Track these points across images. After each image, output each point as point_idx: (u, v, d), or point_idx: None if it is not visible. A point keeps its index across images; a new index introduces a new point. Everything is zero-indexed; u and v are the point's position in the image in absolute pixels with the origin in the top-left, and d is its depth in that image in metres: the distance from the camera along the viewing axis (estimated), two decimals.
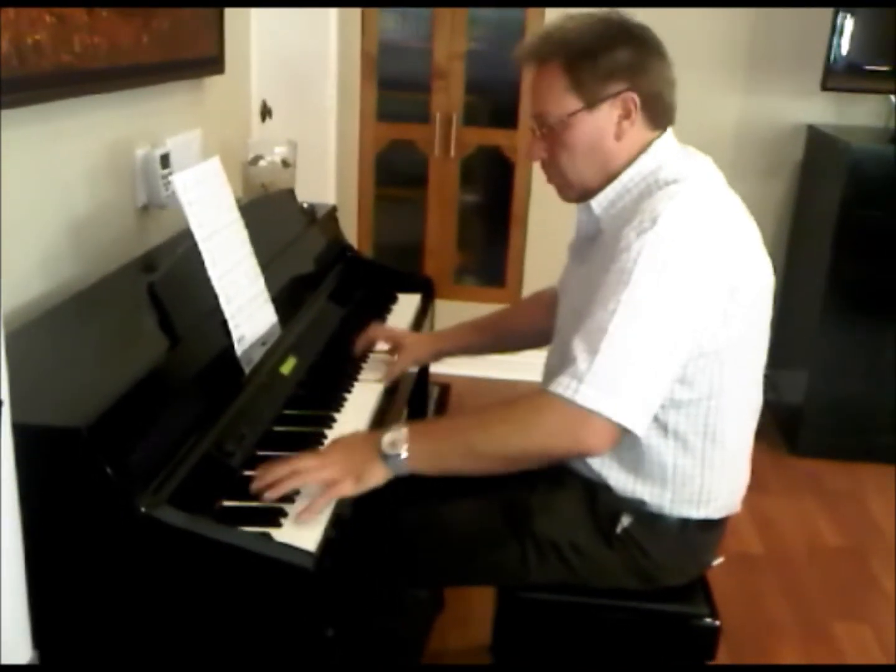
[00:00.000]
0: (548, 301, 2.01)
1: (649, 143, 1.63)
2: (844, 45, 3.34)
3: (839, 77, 3.39)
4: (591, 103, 1.59)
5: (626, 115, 1.60)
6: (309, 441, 1.67)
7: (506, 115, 3.87)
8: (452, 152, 3.90)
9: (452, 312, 2.45)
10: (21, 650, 1.18)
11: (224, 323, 1.72)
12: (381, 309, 2.42)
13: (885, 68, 3.35)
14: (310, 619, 1.39)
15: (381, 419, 1.84)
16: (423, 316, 2.45)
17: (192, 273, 1.71)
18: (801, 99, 3.65)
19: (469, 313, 2.17)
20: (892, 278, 3.30)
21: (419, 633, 2.03)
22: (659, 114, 1.63)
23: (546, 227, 3.80)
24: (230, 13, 2.69)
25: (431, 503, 1.70)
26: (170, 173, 2.13)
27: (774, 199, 3.80)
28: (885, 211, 3.24)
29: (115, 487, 1.28)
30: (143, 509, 1.30)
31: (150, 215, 2.29)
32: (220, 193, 1.84)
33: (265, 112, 3.22)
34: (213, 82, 2.64)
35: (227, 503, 1.45)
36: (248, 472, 1.53)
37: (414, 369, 2.21)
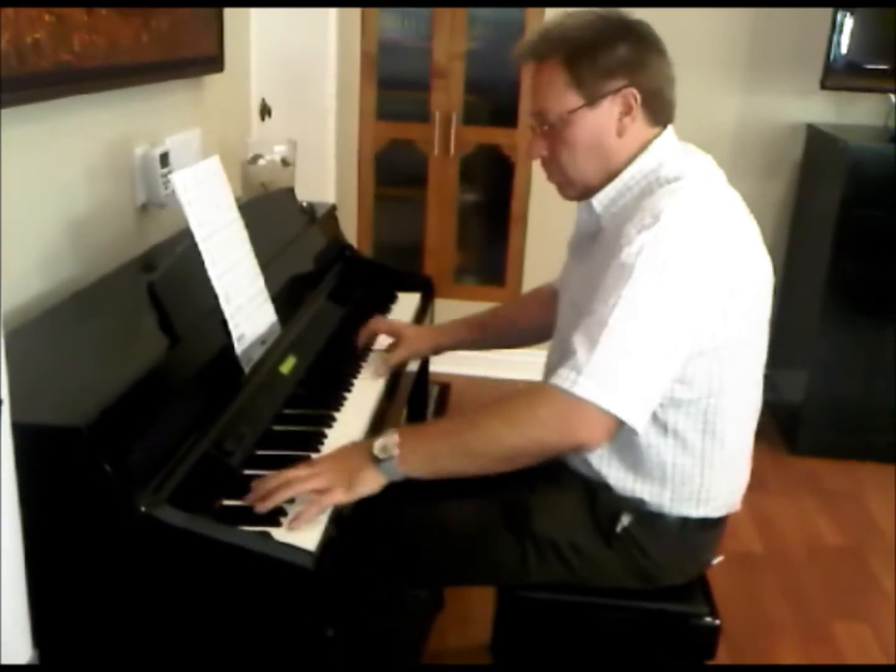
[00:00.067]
0: (546, 297, 2.01)
1: (650, 141, 1.63)
2: (844, 44, 3.34)
3: (839, 76, 3.39)
4: (591, 100, 1.59)
5: (627, 111, 1.60)
6: (309, 440, 1.66)
7: (505, 115, 3.87)
8: (452, 151, 3.90)
9: (452, 311, 2.45)
10: (21, 649, 1.18)
11: (224, 322, 1.72)
12: (381, 308, 2.41)
13: (884, 67, 3.35)
14: (310, 618, 1.39)
15: (381, 418, 1.84)
16: (422, 315, 2.45)
17: (192, 272, 1.71)
18: (800, 98, 3.66)
19: (468, 312, 2.17)
20: (892, 278, 3.30)
21: (419, 633, 2.04)
22: (659, 110, 1.63)
23: (546, 226, 3.80)
24: (230, 12, 2.69)
25: (431, 503, 1.70)
26: (169, 172, 2.13)
27: (774, 198, 3.81)
28: (885, 210, 3.24)
29: (114, 486, 1.28)
30: (142, 508, 1.30)
31: (149, 214, 2.29)
32: (220, 192, 1.84)
33: (265, 111, 3.22)
34: (212, 81, 2.64)
35: (226, 502, 1.45)
36: (247, 472, 1.53)
37: (413, 363, 2.21)
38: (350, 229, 3.76)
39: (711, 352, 1.55)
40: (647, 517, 1.66)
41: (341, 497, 1.47)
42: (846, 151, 3.26)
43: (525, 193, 3.90)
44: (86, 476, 1.29)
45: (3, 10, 1.57)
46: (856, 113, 3.67)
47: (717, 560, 1.79)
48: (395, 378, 2.03)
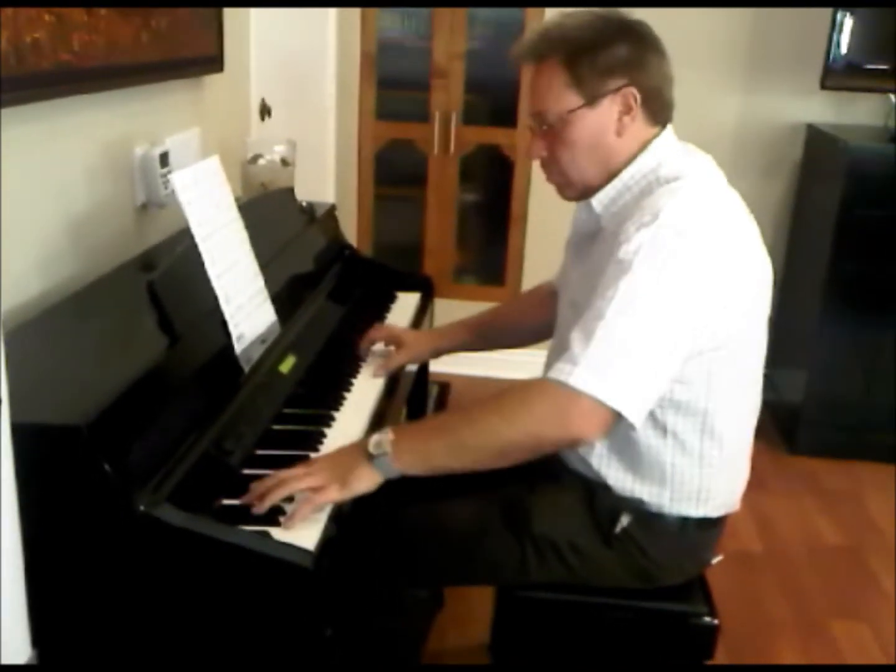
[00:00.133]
0: (545, 296, 2.01)
1: (649, 140, 1.63)
2: (844, 44, 3.34)
3: (838, 76, 3.39)
4: (591, 99, 1.59)
5: (627, 110, 1.60)
6: (308, 440, 1.67)
7: (505, 114, 3.87)
8: (452, 151, 3.90)
9: (452, 311, 2.45)
10: (20, 649, 1.18)
11: (223, 322, 1.72)
12: (381, 308, 2.42)
13: (884, 67, 3.35)
14: (309, 618, 1.39)
15: (381, 418, 1.84)
16: (422, 315, 2.45)
17: (191, 272, 1.71)
18: (800, 98, 3.66)
19: (468, 312, 2.17)
20: (892, 277, 3.30)
21: (418, 633, 2.03)
22: (658, 110, 1.63)
23: (545, 225, 3.80)
24: (229, 12, 2.69)
25: (431, 503, 1.70)
26: (169, 172, 2.13)
27: (774, 198, 3.81)
28: (885, 210, 3.24)
29: (114, 486, 1.28)
30: (142, 508, 1.30)
31: (149, 214, 2.29)
32: (219, 192, 1.84)
33: (264, 111, 3.22)
34: (212, 81, 2.64)
35: (226, 502, 1.45)
36: (247, 471, 1.53)
37: (413, 367, 2.21)
38: (350, 229, 3.76)
39: (711, 351, 1.55)
40: (647, 517, 1.66)
41: (336, 494, 1.46)
42: (846, 151, 3.26)
43: (525, 193, 3.90)
44: (85, 475, 1.29)
45: (2, 10, 1.57)
46: (856, 113, 3.67)
47: (717, 560, 1.79)
48: (394, 378, 2.03)
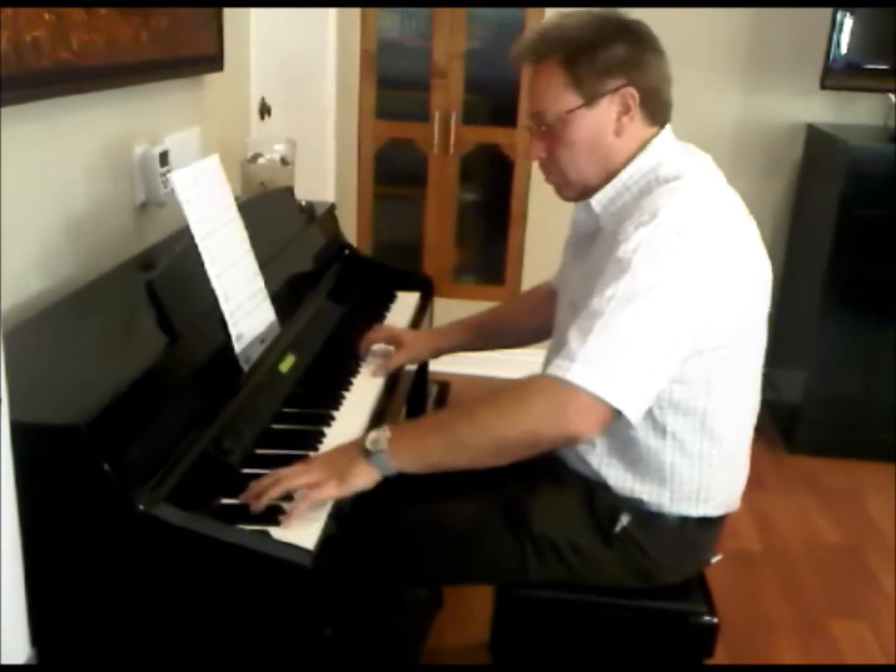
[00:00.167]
0: (544, 296, 2.01)
1: (648, 140, 1.63)
2: (844, 44, 3.34)
3: (838, 76, 3.39)
4: (590, 99, 1.59)
5: (626, 110, 1.60)
6: (308, 439, 1.67)
7: (505, 114, 3.87)
8: (451, 150, 3.90)
9: (451, 311, 2.45)
10: (19, 648, 1.18)
11: (222, 321, 1.72)
12: (380, 307, 2.41)
13: (884, 67, 3.35)
14: (308, 617, 1.39)
15: (380, 417, 1.84)
16: (421, 314, 2.45)
17: (191, 271, 1.71)
18: (800, 98, 3.66)
19: (468, 311, 2.17)
20: (891, 277, 3.30)
21: (418, 632, 2.03)
22: (657, 109, 1.63)
23: (545, 225, 3.80)
24: (229, 11, 2.68)
25: (430, 502, 1.70)
26: (168, 171, 2.13)
27: (773, 197, 3.81)
28: (884, 210, 3.24)
29: (113, 485, 1.28)
30: (141, 507, 1.30)
31: (148, 213, 2.29)
32: (219, 191, 1.84)
33: (264, 110, 3.22)
34: (212, 80, 2.64)
35: (225, 501, 1.45)
36: (246, 471, 1.53)
37: (412, 366, 2.21)
38: (349, 228, 3.76)
39: (710, 351, 1.55)
40: (647, 516, 1.66)
41: (334, 491, 1.46)
42: (846, 151, 3.26)
43: (524, 193, 3.90)
44: (84, 474, 1.29)
45: (2, 9, 1.57)
46: (855, 113, 3.67)
47: (716, 559, 1.79)
48: (393, 377, 2.03)
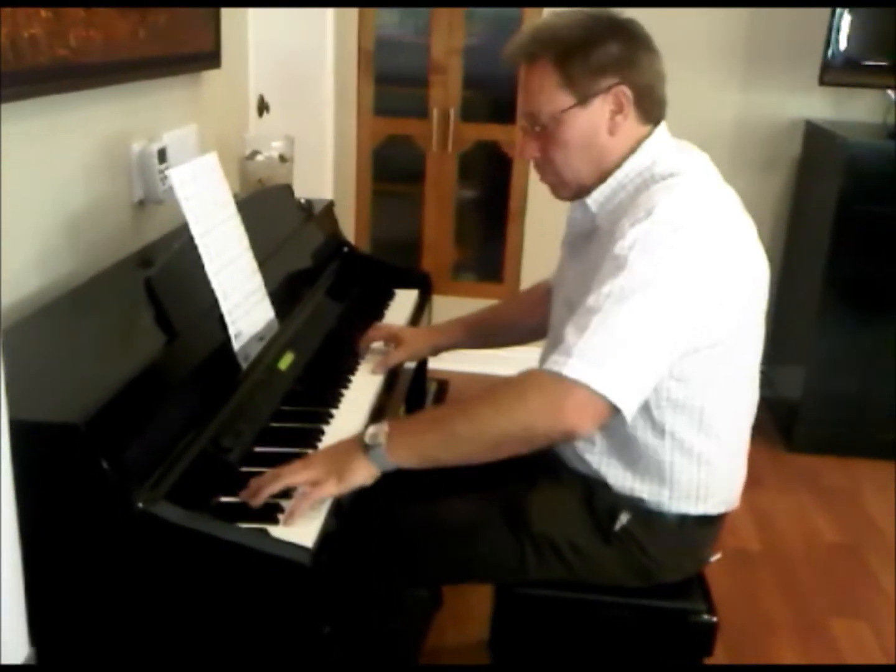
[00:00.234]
0: (543, 294, 2.00)
1: (643, 138, 1.63)
2: (842, 41, 3.33)
3: (837, 72, 3.39)
4: (583, 99, 1.59)
5: (619, 109, 1.59)
6: (307, 437, 1.66)
7: (504, 111, 3.87)
8: (450, 147, 3.90)
9: (450, 308, 2.45)
10: (18, 647, 1.18)
11: (221, 318, 1.72)
12: (379, 305, 2.41)
13: (882, 63, 3.35)
14: (307, 615, 1.38)
15: (379, 415, 1.83)
16: (420, 312, 2.45)
17: (189, 268, 1.70)
18: (798, 94, 3.66)
19: (466, 309, 2.17)
20: (890, 274, 3.30)
21: (417, 631, 2.03)
22: (651, 108, 1.63)
23: (544, 222, 3.80)
24: (227, 8, 2.68)
25: (430, 501, 1.70)
26: (166, 168, 2.13)
27: (772, 194, 3.81)
28: (883, 206, 3.24)
29: (112, 483, 1.28)
30: (140, 505, 1.29)
31: (146, 210, 2.28)
32: (217, 188, 1.84)
33: (262, 107, 3.22)
34: (210, 77, 2.64)
35: (224, 499, 1.45)
36: (245, 469, 1.53)
37: (411, 364, 2.21)
38: (348, 225, 3.75)
39: (707, 348, 1.55)
40: (646, 515, 1.66)
41: (333, 488, 1.46)
42: (844, 148, 3.26)
43: (523, 190, 3.90)
44: (83, 473, 1.28)
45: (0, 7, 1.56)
46: (854, 109, 3.67)
47: (715, 557, 1.79)
48: (392, 375, 2.03)
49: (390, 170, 4.07)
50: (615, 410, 1.45)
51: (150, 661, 1.41)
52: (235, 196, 1.93)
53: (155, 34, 2.17)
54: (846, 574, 2.82)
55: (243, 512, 1.41)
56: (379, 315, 2.35)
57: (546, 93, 1.60)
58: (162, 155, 2.21)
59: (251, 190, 2.54)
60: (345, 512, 1.49)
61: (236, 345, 1.74)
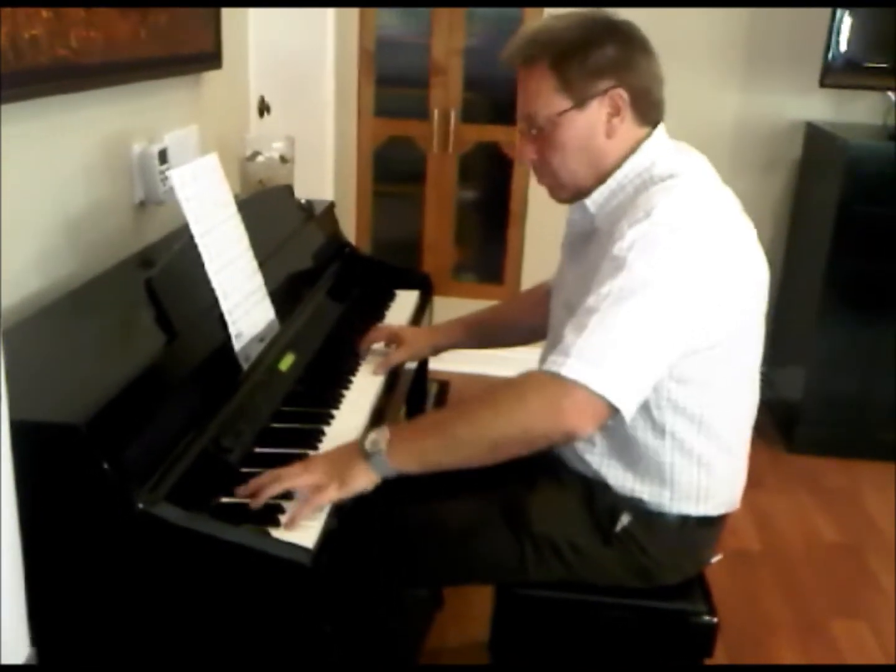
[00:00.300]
0: (544, 295, 2.00)
1: (641, 140, 1.63)
2: (843, 42, 3.33)
3: (838, 74, 3.39)
4: (579, 102, 1.59)
5: (616, 112, 1.59)
6: (307, 438, 1.66)
7: (504, 112, 3.86)
8: (451, 149, 3.90)
9: (450, 309, 2.45)
10: (19, 648, 1.18)
11: (221, 319, 1.72)
12: (380, 306, 2.41)
13: (883, 65, 3.35)
14: (307, 616, 1.38)
15: (380, 416, 1.83)
16: (421, 313, 2.45)
17: (190, 269, 1.70)
18: (799, 96, 3.65)
19: (467, 310, 2.17)
20: (890, 275, 3.30)
21: (418, 631, 2.03)
22: (648, 110, 1.63)
23: (544, 223, 3.80)
24: (228, 8, 2.68)
25: (430, 502, 1.70)
26: (167, 169, 2.13)
27: (773, 195, 3.81)
28: (883, 208, 3.24)
29: (112, 484, 1.28)
30: (140, 506, 1.29)
31: (147, 211, 2.29)
32: (218, 189, 1.84)
33: (263, 108, 3.22)
34: (210, 78, 2.64)
35: (224, 500, 1.45)
36: (246, 469, 1.53)
37: (412, 364, 2.21)
38: (348, 226, 3.75)
39: (706, 350, 1.55)
40: (647, 516, 1.66)
41: (334, 494, 1.46)
42: (845, 149, 3.26)
43: (524, 191, 3.90)
44: (83, 473, 1.28)
45: (0, 7, 1.56)
46: (855, 111, 3.66)
47: (716, 559, 1.79)
48: (393, 376, 2.03)
49: (391, 171, 4.07)
50: (614, 410, 1.45)
51: (151, 662, 1.41)
52: (236, 197, 1.93)
53: (156, 35, 2.17)
54: (846, 574, 2.82)
55: (244, 513, 1.41)
56: (380, 316, 2.35)
57: (543, 96, 1.60)
58: (163, 156, 2.21)
59: (252, 191, 2.54)
60: (345, 512, 1.49)
61: (237, 345, 1.74)
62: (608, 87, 1.58)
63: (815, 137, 3.60)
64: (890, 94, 3.48)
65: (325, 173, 3.51)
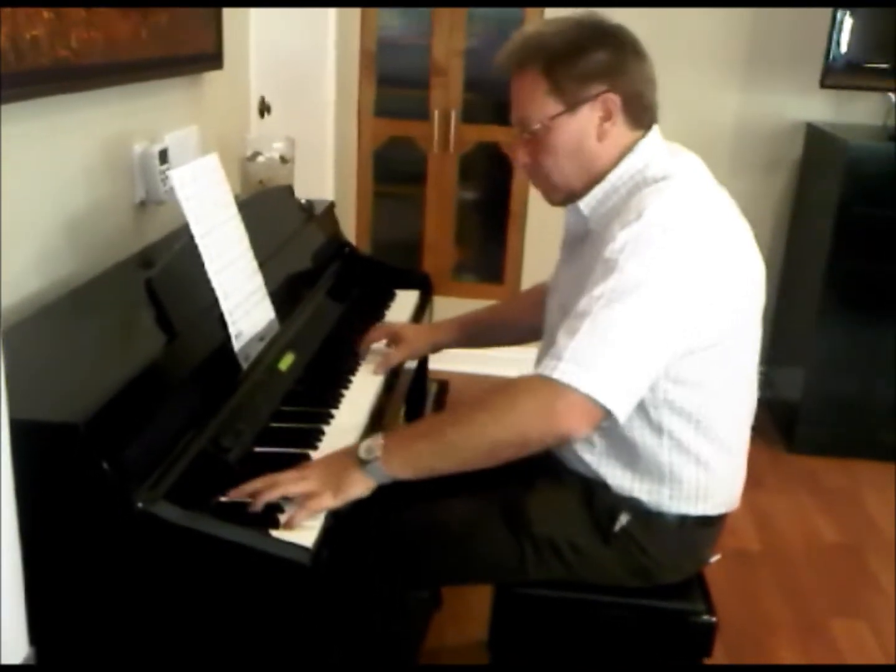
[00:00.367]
0: (543, 295, 2.01)
1: (632, 144, 1.63)
2: (843, 43, 3.34)
3: (838, 75, 3.39)
4: (571, 106, 1.59)
5: (607, 116, 1.60)
6: (307, 438, 1.66)
7: (505, 112, 3.83)
8: (451, 149, 3.90)
9: (450, 309, 2.45)
10: (18, 647, 1.18)
11: (221, 319, 1.72)
12: (379, 306, 2.41)
13: (884, 66, 3.35)
14: (307, 615, 1.38)
15: (379, 415, 1.84)
16: (421, 312, 2.45)
17: (190, 269, 1.71)
18: (799, 96, 3.66)
19: (467, 310, 2.17)
20: (890, 276, 3.30)
21: (417, 631, 2.03)
22: (640, 113, 1.63)
23: (544, 223, 3.80)
24: (229, 9, 2.68)
25: (429, 503, 1.70)
26: (168, 169, 2.13)
27: (773, 196, 3.80)
28: (883, 208, 3.25)
29: (111, 483, 1.28)
30: (139, 505, 1.29)
31: (147, 211, 2.29)
32: (218, 189, 1.84)
33: (264, 108, 3.22)
34: (211, 78, 2.64)
35: (224, 499, 1.45)
36: (245, 469, 1.53)
37: (412, 364, 2.21)
38: (349, 226, 3.76)
39: (701, 350, 1.55)
40: (646, 515, 1.66)
41: (329, 501, 1.45)
42: (845, 150, 3.26)
43: (524, 191, 3.89)
44: (82, 473, 1.29)
45: (1, 7, 1.56)
46: (855, 111, 3.66)
47: (715, 558, 1.79)
48: (393, 376, 2.03)
49: (391, 171, 4.07)
50: (608, 413, 1.46)
51: (150, 661, 1.41)
52: (236, 197, 1.93)
53: (156, 35, 2.17)
54: (846, 574, 2.82)
55: (243, 512, 1.41)
56: (380, 316, 2.35)
57: (535, 100, 1.61)
58: (163, 156, 2.21)
59: (252, 191, 2.54)
60: (345, 512, 1.49)
61: (237, 345, 1.74)
62: (600, 91, 1.59)
63: (816, 138, 3.60)
64: (890, 94, 3.48)
65: (325, 173, 3.52)
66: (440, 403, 2.72)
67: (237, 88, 3.03)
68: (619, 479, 1.65)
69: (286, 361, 1.87)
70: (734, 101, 3.72)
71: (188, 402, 1.55)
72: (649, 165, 1.61)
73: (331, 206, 2.74)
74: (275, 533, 1.38)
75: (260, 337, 1.83)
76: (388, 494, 1.54)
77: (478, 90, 3.90)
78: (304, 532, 1.39)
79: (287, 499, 1.45)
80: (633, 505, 1.65)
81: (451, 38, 3.78)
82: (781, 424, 3.63)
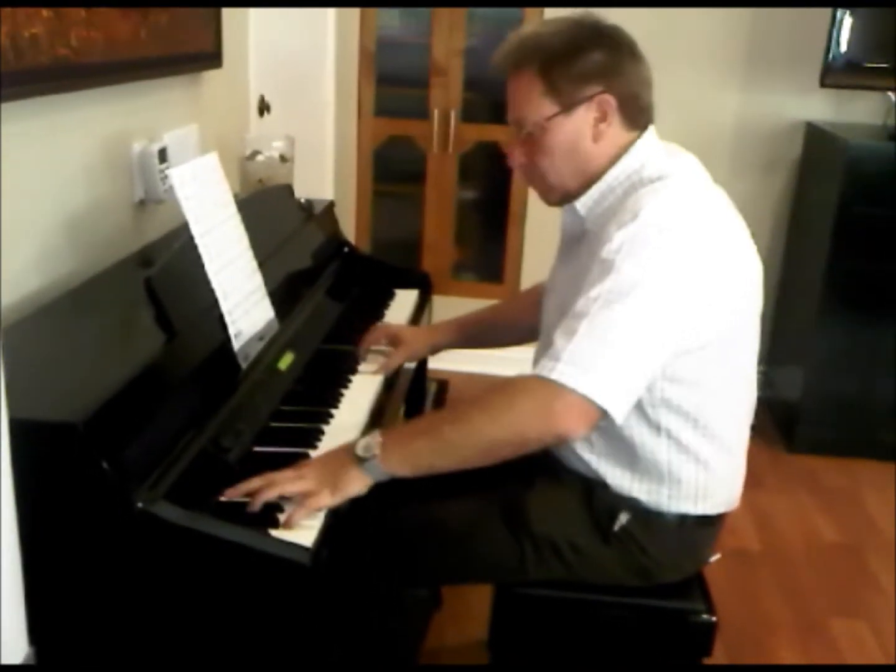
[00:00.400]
0: (542, 295, 2.01)
1: (630, 144, 1.63)
2: (843, 42, 3.33)
3: (838, 74, 3.39)
4: (567, 107, 1.59)
5: (603, 117, 1.60)
6: (306, 437, 1.66)
7: (504, 112, 3.86)
8: (451, 148, 3.90)
9: (450, 308, 2.45)
10: (18, 647, 1.18)
11: (221, 318, 1.72)
12: (379, 305, 2.41)
13: (883, 65, 3.35)
14: (306, 615, 1.38)
15: (379, 415, 1.83)
16: (420, 312, 2.45)
17: (189, 268, 1.70)
18: (799, 96, 3.65)
19: (466, 309, 2.17)
20: (890, 275, 3.30)
21: (416, 631, 2.03)
22: (636, 114, 1.63)
23: (544, 223, 3.78)
24: (228, 8, 2.68)
25: (429, 502, 1.70)
26: (167, 168, 2.13)
27: (773, 195, 3.80)
28: (883, 208, 3.24)
29: (111, 483, 1.28)
30: (139, 505, 1.29)
31: (147, 210, 2.29)
32: (218, 188, 1.84)
33: (263, 107, 3.22)
34: (210, 77, 2.64)
35: (223, 499, 1.44)
36: (244, 469, 1.52)
37: (411, 364, 2.21)
38: (348, 226, 3.75)
39: (698, 350, 1.55)
40: (645, 515, 1.66)
41: (327, 500, 1.46)
42: (845, 149, 3.26)
43: (524, 191, 3.89)
44: (82, 472, 1.28)
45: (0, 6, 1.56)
46: (855, 111, 3.66)
47: (715, 558, 1.79)
48: (392, 375, 2.03)
49: (391, 170, 4.07)
50: (605, 413, 1.46)
51: (150, 661, 1.41)
52: (236, 196, 1.93)
53: (156, 34, 2.17)
54: (846, 574, 2.82)
55: (243, 512, 1.41)
56: (379, 315, 2.35)
57: (531, 101, 1.61)
58: (162, 155, 2.21)
59: (251, 190, 2.54)
60: (344, 512, 1.49)
61: (236, 344, 1.74)
62: (595, 92, 1.59)
63: (815, 137, 3.60)
64: (890, 94, 3.48)
65: (324, 173, 3.51)
66: (440, 403, 2.72)
67: (237, 87, 3.03)
68: (618, 478, 1.65)
69: (286, 361, 1.87)
70: (734, 100, 3.72)
71: (188, 401, 1.55)
72: (645, 166, 1.61)
73: (330, 206, 2.74)
74: (274, 532, 1.38)
75: (259, 336, 1.83)
76: (387, 492, 1.54)
77: (477, 90, 3.90)
78: (303, 531, 1.39)
79: (286, 498, 1.45)
80: (633, 504, 1.65)
81: (450, 37, 3.78)
82: (781, 424, 3.63)
